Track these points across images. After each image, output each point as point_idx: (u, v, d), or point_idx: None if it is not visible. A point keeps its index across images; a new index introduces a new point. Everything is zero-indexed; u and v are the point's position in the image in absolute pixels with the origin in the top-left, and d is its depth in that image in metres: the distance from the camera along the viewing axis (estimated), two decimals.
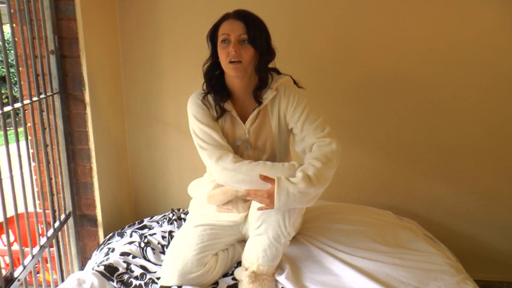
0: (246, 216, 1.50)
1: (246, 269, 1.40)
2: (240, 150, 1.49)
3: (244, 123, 1.46)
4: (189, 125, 1.47)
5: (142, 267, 1.53)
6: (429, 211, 2.11)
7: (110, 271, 1.48)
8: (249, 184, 1.35)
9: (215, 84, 1.46)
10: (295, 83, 1.51)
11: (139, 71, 2.13)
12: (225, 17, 1.41)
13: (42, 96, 1.62)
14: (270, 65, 1.47)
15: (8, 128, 2.02)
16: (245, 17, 1.37)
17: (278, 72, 1.50)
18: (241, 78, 1.42)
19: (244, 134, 1.47)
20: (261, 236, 1.38)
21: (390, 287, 1.33)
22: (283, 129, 1.49)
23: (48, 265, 1.78)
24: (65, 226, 1.84)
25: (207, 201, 1.53)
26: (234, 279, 1.47)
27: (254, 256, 1.39)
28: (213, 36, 1.43)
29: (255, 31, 1.36)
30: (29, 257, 1.50)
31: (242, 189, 1.38)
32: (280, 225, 1.35)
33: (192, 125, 1.45)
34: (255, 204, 1.40)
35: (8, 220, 1.42)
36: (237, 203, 1.50)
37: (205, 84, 1.47)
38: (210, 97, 1.46)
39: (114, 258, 1.55)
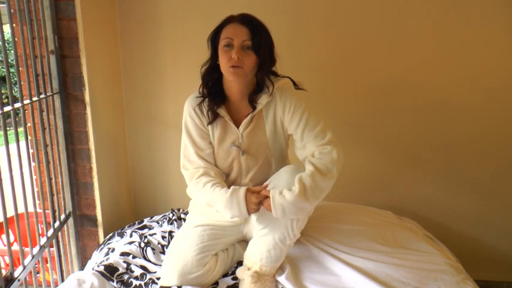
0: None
1: (249, 269, 1.40)
2: (232, 156, 1.48)
3: (238, 127, 1.45)
4: None
5: (143, 267, 1.53)
6: (429, 211, 2.11)
7: (110, 271, 1.48)
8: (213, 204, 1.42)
9: (212, 87, 1.44)
10: (295, 84, 1.47)
11: (139, 71, 2.12)
12: (229, 20, 1.37)
13: (42, 96, 1.62)
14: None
15: (8, 128, 2.02)
16: (250, 23, 1.34)
17: (276, 75, 1.47)
18: (240, 83, 1.40)
19: (237, 138, 1.46)
20: (266, 237, 1.38)
21: (390, 287, 1.33)
22: (278, 134, 1.47)
23: (48, 265, 1.78)
24: (65, 226, 1.84)
25: (206, 204, 1.53)
26: (234, 279, 1.47)
27: (257, 256, 1.39)
28: (214, 38, 1.40)
29: (260, 38, 1.34)
30: (29, 257, 1.50)
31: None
32: (287, 228, 1.36)
33: (183, 131, 1.50)
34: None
35: (8, 220, 1.41)
36: None
37: (201, 87, 1.46)
38: (204, 102, 1.45)
39: (114, 258, 1.55)
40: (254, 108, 1.42)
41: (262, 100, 1.41)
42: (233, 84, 1.41)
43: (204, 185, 1.41)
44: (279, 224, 1.35)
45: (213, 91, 1.44)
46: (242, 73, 1.35)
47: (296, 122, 1.41)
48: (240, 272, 1.45)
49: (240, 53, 1.32)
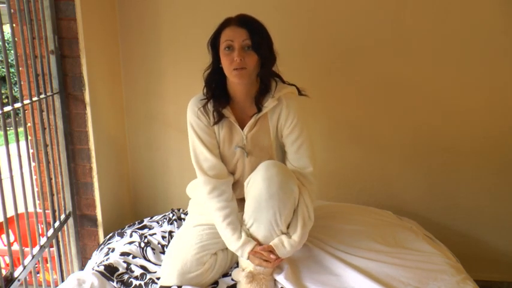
0: None
1: (243, 270, 1.40)
2: (236, 156, 1.48)
3: (242, 129, 1.45)
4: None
5: (142, 267, 1.53)
6: (429, 211, 2.11)
7: (110, 271, 1.48)
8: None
9: (215, 89, 1.44)
10: (299, 92, 1.48)
11: (139, 71, 2.12)
12: (227, 23, 1.38)
13: (42, 96, 1.62)
14: (274, 69, 1.45)
15: (8, 128, 2.02)
16: (248, 24, 1.36)
17: (282, 81, 1.48)
18: (245, 84, 1.41)
19: (242, 140, 1.46)
20: (253, 235, 1.38)
21: (390, 287, 1.33)
22: (279, 137, 1.48)
23: (48, 265, 1.78)
24: (65, 226, 1.84)
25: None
26: (233, 279, 1.46)
27: None
28: (214, 42, 1.41)
29: (258, 37, 1.35)
30: (29, 257, 1.50)
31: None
32: (272, 224, 1.34)
33: (189, 134, 1.48)
34: (247, 204, 1.39)
35: (8, 220, 1.41)
36: None
37: (205, 89, 1.45)
38: (209, 103, 1.44)
39: (114, 258, 1.55)
40: (260, 110, 1.42)
41: (269, 104, 1.42)
42: (237, 85, 1.42)
43: (215, 211, 1.42)
44: (262, 222, 1.35)
45: (217, 92, 1.44)
46: (246, 74, 1.36)
47: (294, 137, 1.44)
48: (235, 274, 1.43)
49: (242, 54, 1.33)
